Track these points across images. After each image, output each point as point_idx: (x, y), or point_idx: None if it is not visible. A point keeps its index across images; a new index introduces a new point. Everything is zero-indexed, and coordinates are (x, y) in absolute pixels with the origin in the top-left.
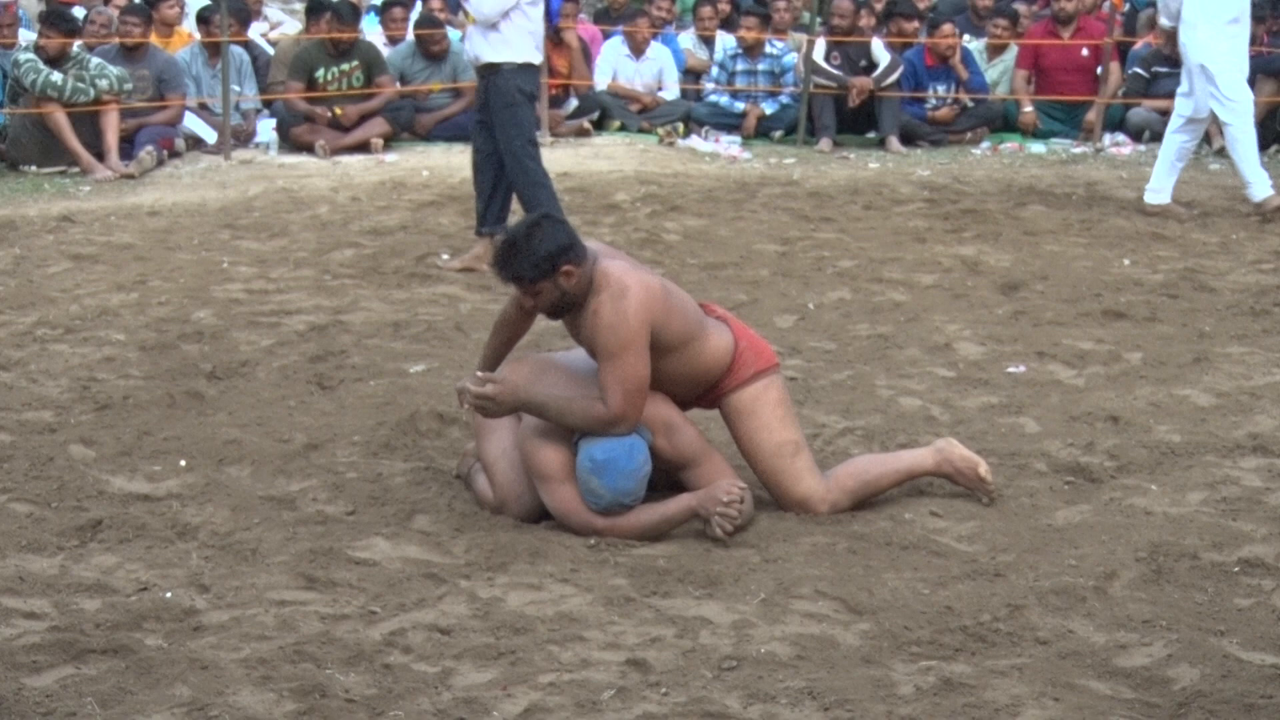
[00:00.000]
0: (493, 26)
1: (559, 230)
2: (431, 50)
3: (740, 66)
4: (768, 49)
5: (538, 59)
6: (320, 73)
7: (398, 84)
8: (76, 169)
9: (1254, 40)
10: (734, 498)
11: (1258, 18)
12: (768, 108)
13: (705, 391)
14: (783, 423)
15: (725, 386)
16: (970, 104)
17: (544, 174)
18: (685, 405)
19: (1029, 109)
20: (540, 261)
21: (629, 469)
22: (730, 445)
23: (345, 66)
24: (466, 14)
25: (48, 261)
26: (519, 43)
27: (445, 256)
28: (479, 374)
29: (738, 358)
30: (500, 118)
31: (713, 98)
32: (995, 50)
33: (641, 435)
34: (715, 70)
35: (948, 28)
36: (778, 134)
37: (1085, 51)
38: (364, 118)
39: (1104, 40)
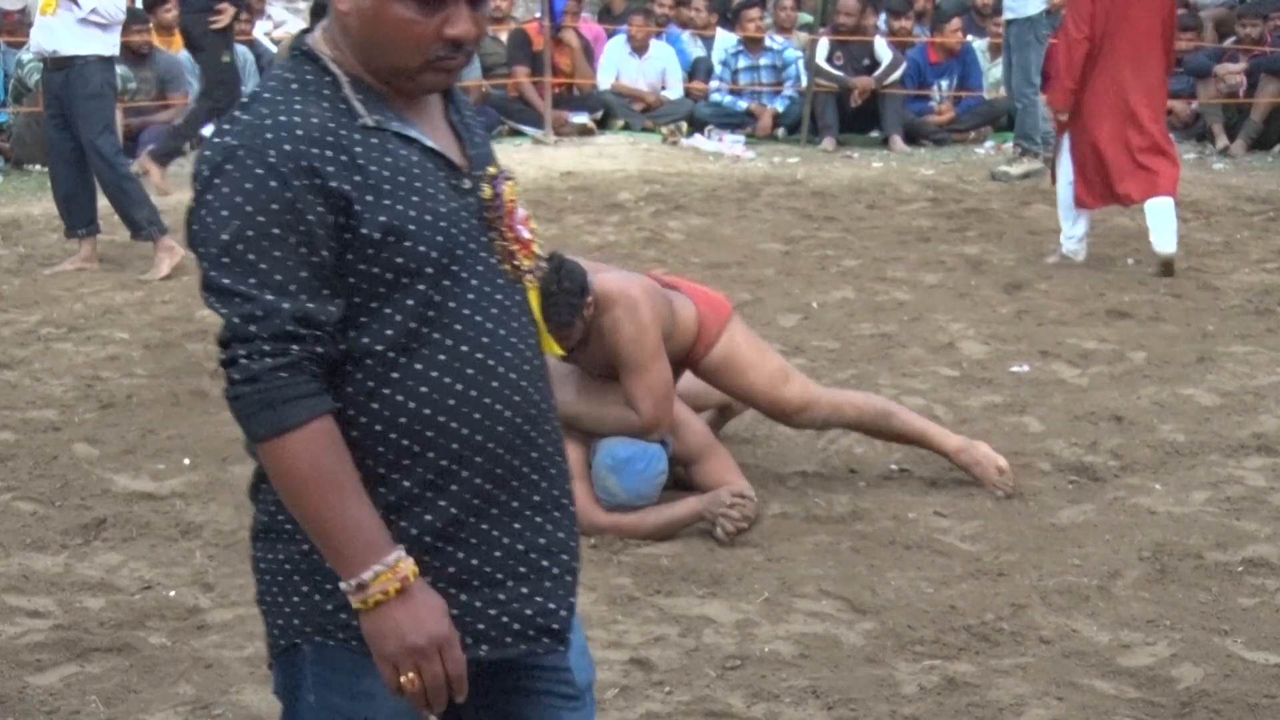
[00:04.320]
0: (82, 20)
1: (573, 266)
2: None
3: (742, 63)
4: (768, 43)
5: (117, 52)
6: None
7: None
8: None
9: (1257, 39)
10: (739, 501)
11: (1260, 15)
12: (777, 105)
13: (680, 364)
14: (762, 355)
15: (698, 352)
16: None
17: (127, 164)
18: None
19: None
20: (574, 301)
21: (648, 473)
22: (729, 436)
23: None
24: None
25: (52, 260)
26: (106, 36)
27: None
28: None
29: (702, 322)
30: (84, 109)
31: (715, 96)
32: (997, 50)
33: (665, 443)
34: (719, 69)
35: (955, 22)
36: (780, 131)
37: None
38: None
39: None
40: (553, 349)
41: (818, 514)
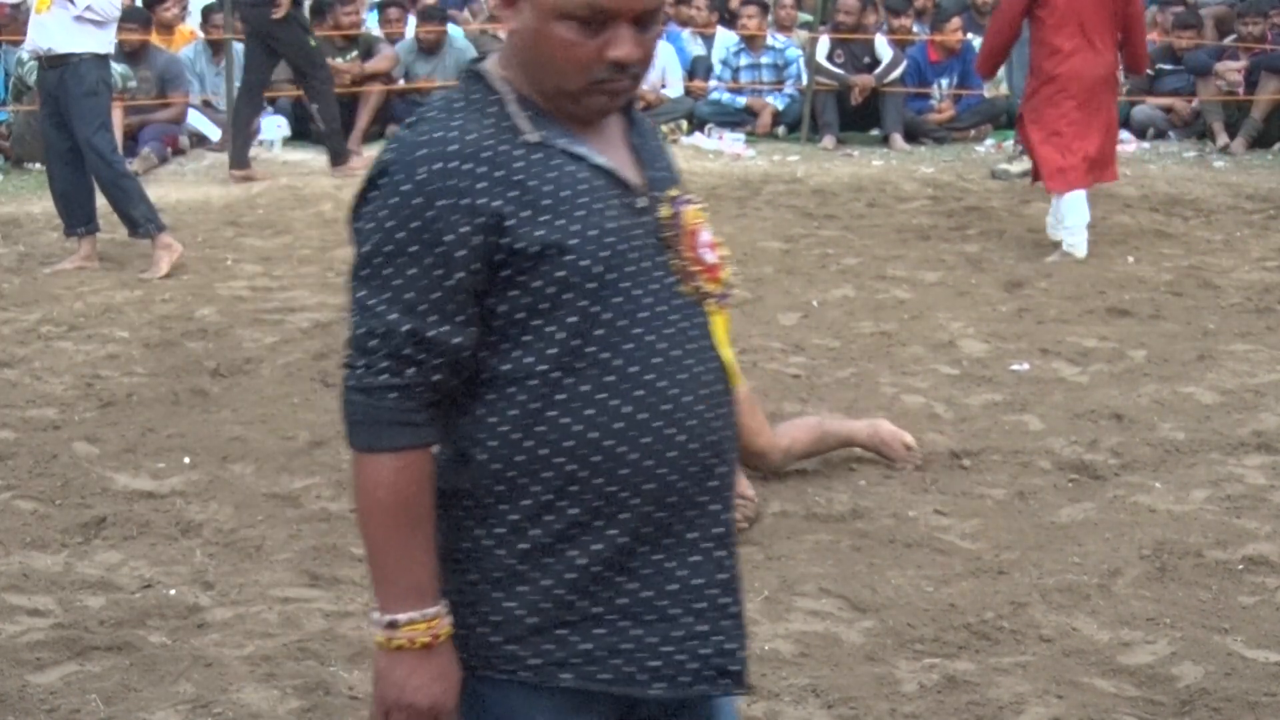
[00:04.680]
0: (77, 18)
1: None
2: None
3: (744, 62)
4: (769, 41)
5: (113, 50)
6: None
7: (401, 76)
8: None
9: (1257, 38)
10: (739, 503)
11: (1261, 13)
12: (777, 103)
13: None
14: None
15: None
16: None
17: (123, 162)
18: None
19: None
20: None
21: None
22: None
23: (351, 56)
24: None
25: (51, 259)
26: (101, 33)
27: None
28: None
29: None
30: (79, 108)
31: (715, 95)
32: None
33: None
34: (719, 68)
35: (955, 21)
36: (781, 129)
37: None
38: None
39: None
40: (738, 378)
41: (818, 512)
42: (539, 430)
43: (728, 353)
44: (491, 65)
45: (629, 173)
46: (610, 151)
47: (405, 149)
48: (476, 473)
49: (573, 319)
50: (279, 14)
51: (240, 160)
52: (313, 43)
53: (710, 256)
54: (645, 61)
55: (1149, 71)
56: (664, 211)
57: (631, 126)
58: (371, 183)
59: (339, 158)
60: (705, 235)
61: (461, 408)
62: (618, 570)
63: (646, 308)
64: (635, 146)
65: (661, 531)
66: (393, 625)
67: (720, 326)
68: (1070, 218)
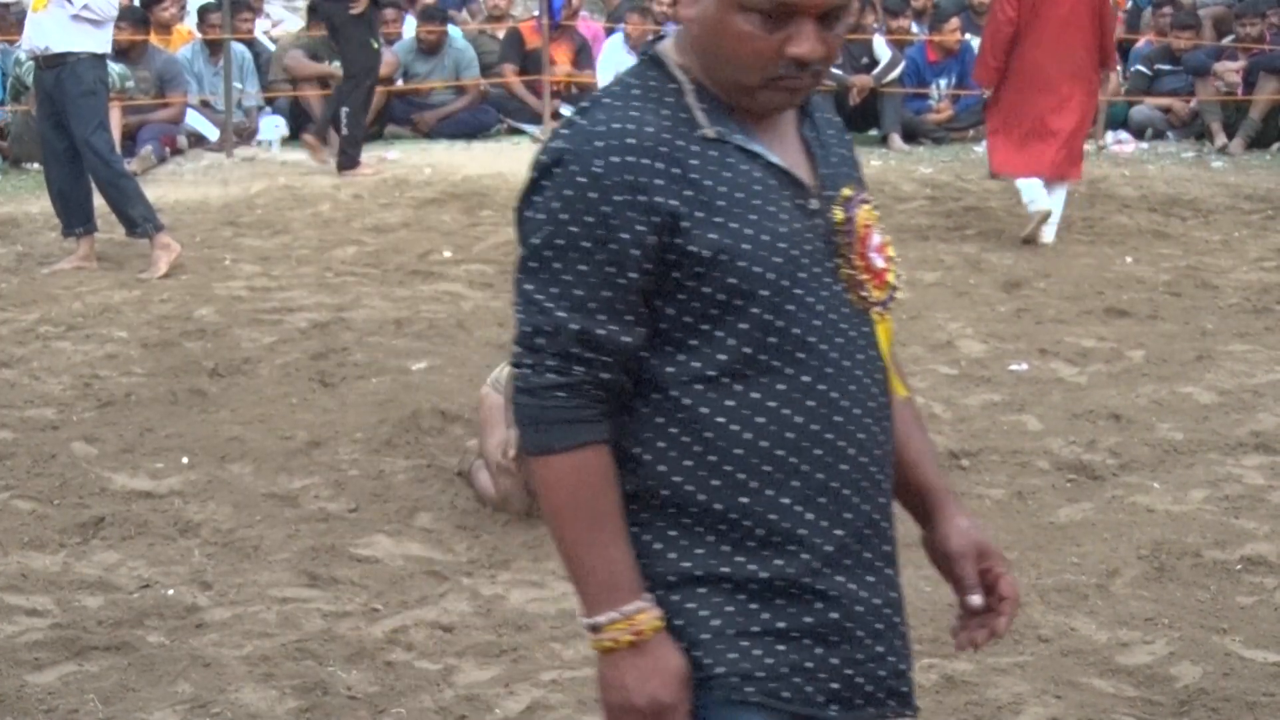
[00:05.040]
0: (74, 17)
1: None
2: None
3: None
4: None
5: (109, 49)
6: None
7: (400, 76)
8: None
9: (1255, 38)
10: None
11: (1259, 14)
12: None
13: None
14: None
15: None
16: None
17: (121, 162)
18: None
19: None
20: None
21: None
22: None
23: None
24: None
25: (50, 259)
26: (98, 33)
27: (448, 253)
28: None
29: None
30: (76, 107)
31: None
32: None
33: None
34: None
35: (954, 22)
36: None
37: None
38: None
39: None
40: (901, 389)
41: None
42: (707, 435)
43: (891, 362)
44: (669, 49)
45: (802, 171)
46: (784, 148)
47: (581, 138)
48: (644, 474)
49: (744, 325)
50: (357, 9)
51: (319, 133)
52: (375, 44)
53: (879, 261)
54: (828, 60)
55: (1148, 72)
56: (838, 215)
57: (805, 118)
58: (545, 171)
59: (349, 163)
60: (876, 238)
61: (627, 407)
62: (797, 587)
63: (819, 315)
64: (808, 140)
65: (841, 551)
66: (595, 629)
67: (884, 335)
68: (1024, 193)
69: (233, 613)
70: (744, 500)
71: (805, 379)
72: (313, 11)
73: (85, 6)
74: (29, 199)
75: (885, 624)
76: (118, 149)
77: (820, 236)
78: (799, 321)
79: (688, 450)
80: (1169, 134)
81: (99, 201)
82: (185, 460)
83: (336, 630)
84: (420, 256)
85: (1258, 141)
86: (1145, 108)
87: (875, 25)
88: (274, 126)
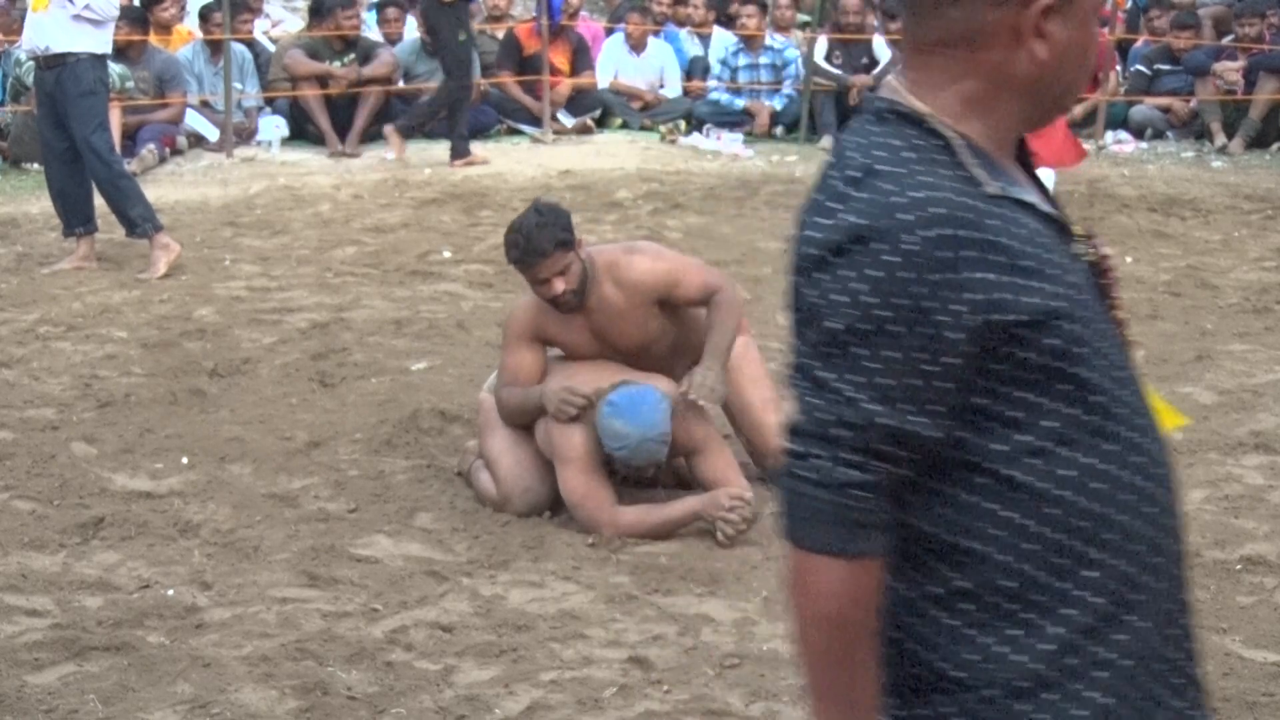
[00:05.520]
0: (75, 17)
1: (548, 201)
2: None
3: (742, 62)
4: (768, 41)
5: (110, 49)
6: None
7: (401, 77)
8: None
9: (1255, 38)
10: (737, 504)
11: (1258, 13)
12: (775, 103)
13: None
14: (767, 378)
15: None
16: None
17: (121, 162)
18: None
19: None
20: (567, 225)
21: (650, 402)
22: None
23: (348, 60)
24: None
25: (49, 259)
26: (98, 33)
27: (447, 253)
28: (686, 395)
29: None
30: (77, 107)
31: (713, 95)
32: None
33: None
34: (717, 68)
35: None
36: (779, 130)
37: None
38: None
39: (1106, 38)
40: (1173, 421)
41: None
42: (1047, 512)
43: (1157, 399)
44: (909, 100)
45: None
46: (1033, 194)
47: (879, 211)
48: (983, 569)
49: (1067, 387)
50: None
51: (406, 129)
52: (461, 37)
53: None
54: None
55: (1148, 71)
56: (1094, 256)
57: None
58: (839, 249)
59: (462, 151)
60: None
61: (938, 495)
62: (1146, 666)
63: (1119, 365)
64: (1034, 178)
65: (1169, 621)
66: None
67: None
68: None
69: (233, 613)
70: (1090, 575)
71: (1128, 434)
72: (315, 13)
73: (86, 6)
74: (29, 199)
75: (1199, 689)
76: (118, 149)
77: (1088, 280)
78: (1107, 374)
79: (1025, 532)
80: (1169, 134)
81: (99, 201)
82: (185, 460)
83: (336, 630)
84: (420, 257)
85: (1258, 141)
86: (1145, 107)
87: (875, 25)
88: (274, 127)
